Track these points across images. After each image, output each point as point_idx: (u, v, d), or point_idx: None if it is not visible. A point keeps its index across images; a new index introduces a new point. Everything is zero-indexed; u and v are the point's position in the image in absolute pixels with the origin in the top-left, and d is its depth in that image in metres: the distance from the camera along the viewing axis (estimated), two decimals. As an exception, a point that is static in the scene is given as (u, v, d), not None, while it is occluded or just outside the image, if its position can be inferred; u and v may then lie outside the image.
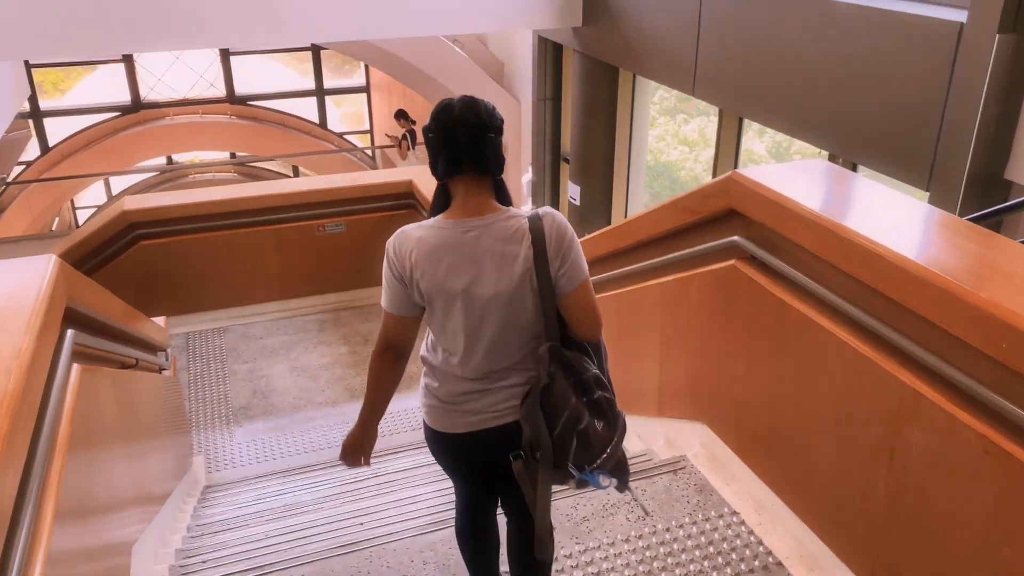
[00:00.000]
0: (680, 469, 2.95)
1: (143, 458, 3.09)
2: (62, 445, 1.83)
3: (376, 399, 2.18)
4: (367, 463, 2.25)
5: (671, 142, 9.52)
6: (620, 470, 2.03)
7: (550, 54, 9.01)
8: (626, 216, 8.37)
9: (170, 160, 18.17)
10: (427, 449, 2.28)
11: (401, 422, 5.38)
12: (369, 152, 17.49)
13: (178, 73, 17.43)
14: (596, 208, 8.39)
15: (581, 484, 2.02)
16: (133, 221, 6.15)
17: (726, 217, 2.64)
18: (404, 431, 5.28)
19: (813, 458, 2.40)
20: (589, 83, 7.98)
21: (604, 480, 1.99)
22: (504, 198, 2.07)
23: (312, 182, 6.95)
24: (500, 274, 1.96)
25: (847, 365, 2.19)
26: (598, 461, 1.95)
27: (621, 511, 2.81)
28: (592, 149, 8.20)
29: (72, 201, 17.92)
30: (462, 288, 1.96)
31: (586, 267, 2.05)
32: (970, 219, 2.34)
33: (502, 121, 2.02)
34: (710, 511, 2.77)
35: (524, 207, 10.09)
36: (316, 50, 17.72)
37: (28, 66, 14.97)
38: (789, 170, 2.70)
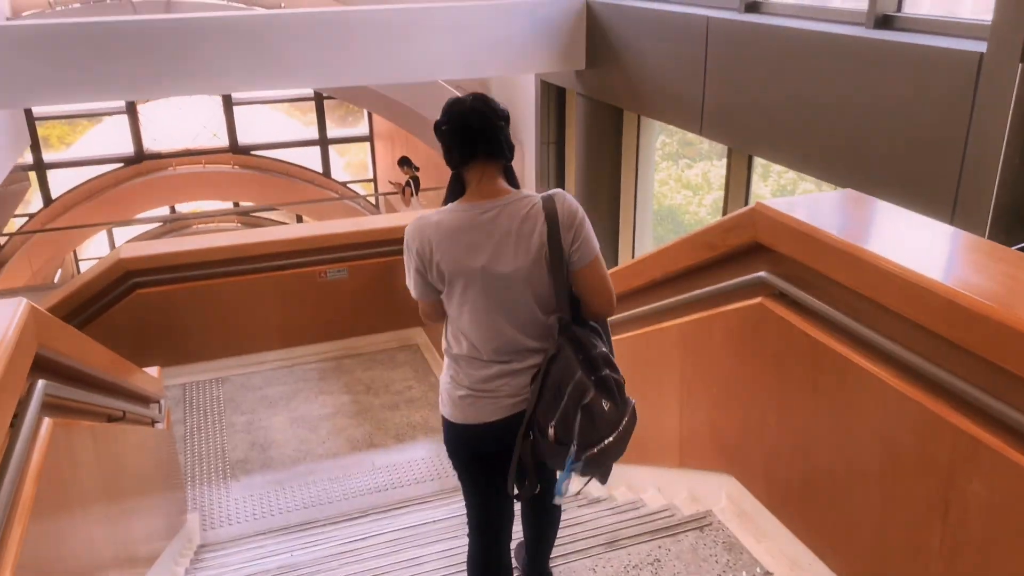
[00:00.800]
0: (706, 526, 2.73)
1: (128, 518, 2.88)
2: (24, 508, 1.64)
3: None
4: None
5: (674, 186, 9.41)
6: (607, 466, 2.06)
7: (553, 98, 8.96)
8: (633, 257, 8.21)
9: (173, 210, 18.14)
10: (432, 504, 2.28)
11: (405, 474, 5.16)
12: (372, 199, 17.47)
13: (181, 124, 17.51)
14: (602, 251, 8.22)
15: (566, 471, 2.01)
16: (130, 269, 6.01)
17: (750, 252, 2.47)
18: (407, 484, 5.05)
19: (855, 512, 2.18)
20: (593, 126, 7.90)
21: (575, 483, 2.03)
22: (514, 183, 2.17)
23: (314, 228, 6.82)
24: (517, 251, 2.04)
25: (891, 409, 1.99)
26: (604, 443, 1.96)
27: (644, 573, 2.59)
28: (597, 192, 8.08)
29: (75, 253, 17.85)
30: (481, 265, 2.04)
31: (597, 245, 2.16)
32: (1021, 248, 2.16)
33: (508, 112, 2.16)
34: (741, 571, 2.55)
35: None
36: (320, 100, 17.81)
37: (32, 119, 15.05)
38: (817, 200, 2.53)
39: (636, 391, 3.02)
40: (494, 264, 2.05)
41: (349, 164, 21.98)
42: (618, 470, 3.64)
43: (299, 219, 18.42)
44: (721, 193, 9.88)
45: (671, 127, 7.37)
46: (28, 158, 15.44)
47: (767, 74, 5.33)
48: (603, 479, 2.08)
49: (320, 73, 7.21)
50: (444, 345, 2.24)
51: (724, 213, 6.29)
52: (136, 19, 6.96)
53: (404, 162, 11.15)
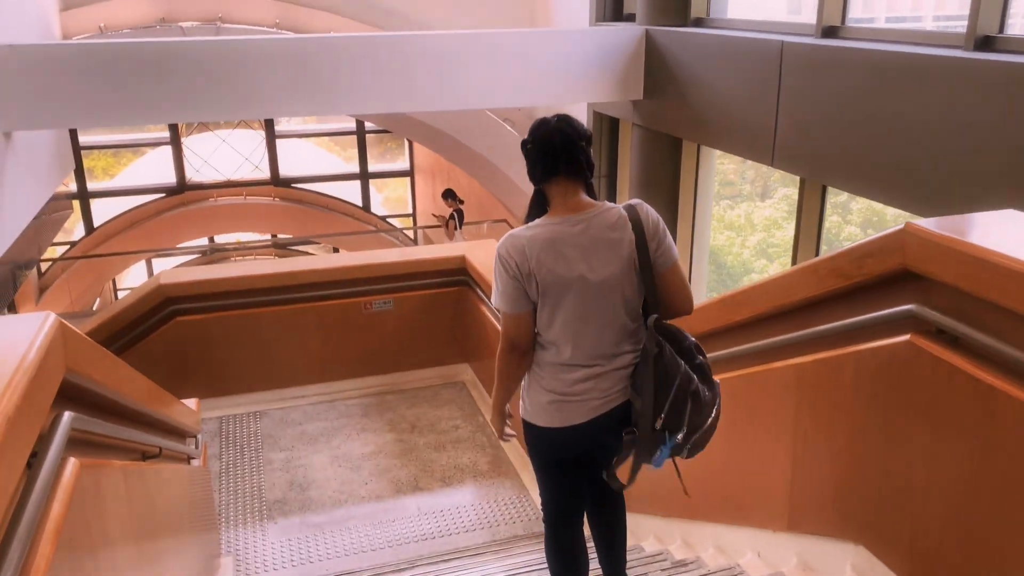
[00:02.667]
0: (825, 601, 2.32)
1: (157, 566, 2.54)
2: (40, 566, 1.31)
3: (505, 394, 2.40)
4: (504, 439, 2.51)
5: (716, 227, 9.10)
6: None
7: (606, 130, 8.67)
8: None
9: (212, 241, 18.10)
10: (486, 558, 2.60)
11: (453, 521, 4.77)
12: (411, 234, 17.29)
13: (224, 156, 17.53)
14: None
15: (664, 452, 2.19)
16: (169, 296, 5.76)
17: (895, 280, 2.09)
18: (456, 532, 4.66)
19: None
20: (650, 157, 7.58)
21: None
22: (594, 198, 2.30)
23: (359, 257, 6.55)
24: (610, 259, 2.18)
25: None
26: (705, 425, 2.16)
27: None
28: (653, 226, 7.74)
29: (113, 282, 17.84)
30: (577, 275, 2.16)
31: (676, 249, 2.29)
32: None
33: (591, 133, 2.32)
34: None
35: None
36: (361, 134, 17.76)
37: (78, 146, 15.12)
38: (969, 222, 2.16)
39: (732, 441, 2.65)
40: (590, 272, 2.16)
41: (388, 199, 21.90)
42: (706, 530, 3.27)
43: (336, 252, 18.26)
44: (764, 235, 9.54)
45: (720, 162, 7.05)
46: (72, 187, 15.48)
47: (848, 100, 4.97)
48: (691, 455, 2.26)
49: (370, 99, 6.99)
50: (531, 356, 2.31)
51: (795, 248, 5.90)
52: (186, 40, 6.82)
53: (448, 194, 10.89)
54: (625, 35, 7.27)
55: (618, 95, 7.45)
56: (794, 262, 5.98)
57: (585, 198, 2.25)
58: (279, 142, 17.54)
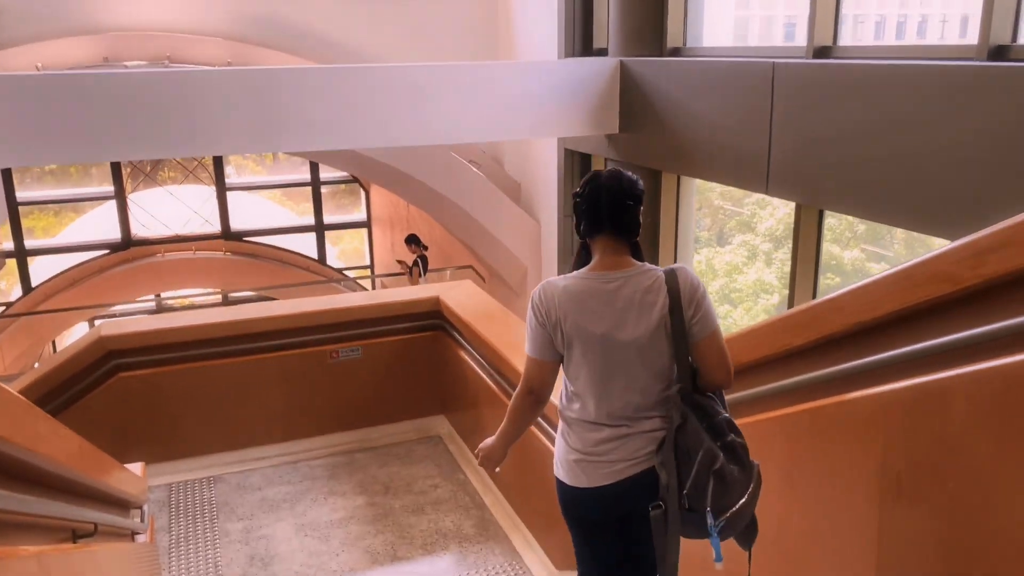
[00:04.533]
0: None
1: None
2: None
3: (514, 431, 2.40)
4: (497, 472, 2.50)
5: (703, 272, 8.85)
6: (751, 529, 2.13)
7: (577, 167, 8.35)
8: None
9: (159, 298, 17.31)
10: None
11: (441, 595, 4.21)
12: (368, 284, 16.74)
13: (172, 210, 16.88)
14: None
15: (706, 534, 2.06)
16: (112, 349, 5.15)
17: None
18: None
19: None
20: (628, 193, 7.25)
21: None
22: (640, 258, 2.28)
23: (324, 301, 6.02)
24: (639, 321, 2.16)
25: None
26: (736, 506, 2.03)
27: None
28: (632, 265, 7.37)
29: (53, 344, 16.88)
30: (603, 332, 2.16)
31: (717, 318, 2.22)
32: None
33: (643, 191, 2.27)
34: None
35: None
36: (316, 184, 17.29)
37: (14, 203, 14.37)
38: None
39: (791, 489, 2.24)
40: (615, 331, 2.16)
41: (344, 251, 21.37)
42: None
43: (292, 307, 17.55)
44: (726, 280, 9.31)
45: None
46: (7, 245, 14.68)
47: (848, 120, 4.69)
48: (745, 544, 2.15)
49: (333, 135, 6.56)
50: (560, 406, 2.31)
51: (792, 276, 5.55)
52: (128, 72, 6.33)
53: (412, 240, 10.47)
54: (599, 67, 6.99)
55: (593, 129, 7.13)
56: (791, 290, 5.64)
57: (627, 258, 2.23)
58: (230, 196, 16.97)
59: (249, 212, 18.12)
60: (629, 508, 2.24)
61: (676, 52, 6.84)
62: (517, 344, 5.08)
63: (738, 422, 2.42)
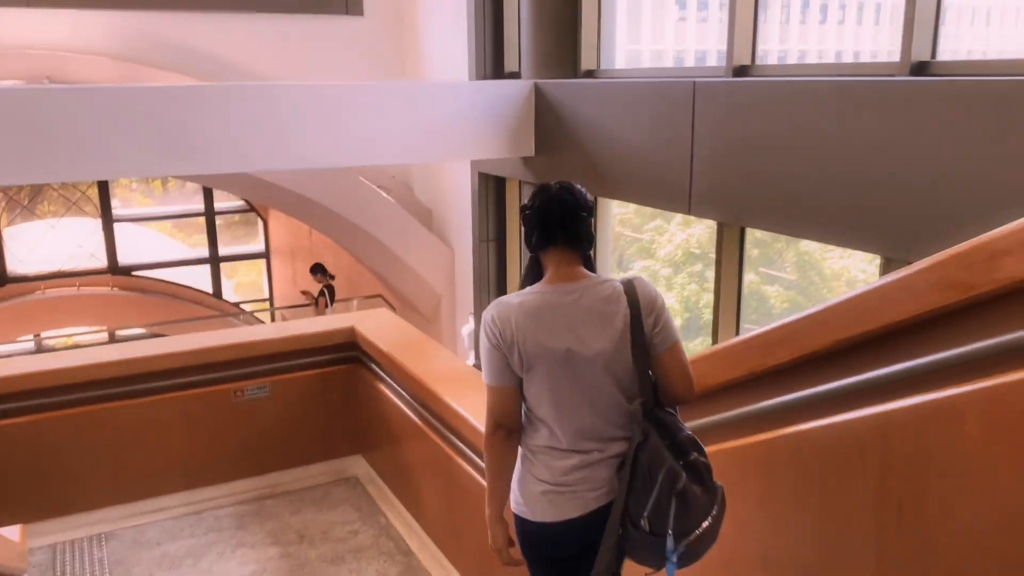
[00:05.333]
0: None
1: None
2: None
3: (500, 486, 2.18)
4: (519, 558, 2.22)
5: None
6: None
7: (491, 191, 8.16)
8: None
9: (38, 338, 16.12)
10: None
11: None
12: (267, 318, 16.05)
13: (53, 244, 15.82)
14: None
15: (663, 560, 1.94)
16: (-17, 394, 4.57)
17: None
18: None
19: None
20: (545, 217, 7.08)
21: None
22: (592, 269, 2.17)
23: (227, 335, 5.58)
24: (602, 332, 2.05)
25: None
26: (698, 531, 1.93)
27: None
28: (551, 291, 7.19)
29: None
30: (566, 347, 2.04)
31: (676, 329, 2.12)
32: None
33: (593, 202, 2.19)
34: None
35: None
36: (210, 214, 16.55)
37: None
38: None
39: (774, 521, 2.06)
40: (578, 346, 2.04)
41: (240, 285, 20.54)
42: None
43: (187, 344, 16.68)
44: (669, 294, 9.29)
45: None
46: None
47: (773, 138, 4.65)
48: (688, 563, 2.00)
49: (232, 158, 6.14)
50: (518, 437, 2.16)
51: (717, 294, 5.47)
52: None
53: (318, 269, 10.03)
54: (514, 89, 6.84)
55: (508, 151, 6.95)
56: (715, 312, 5.56)
57: (581, 269, 2.14)
58: (117, 228, 16.04)
59: (138, 245, 17.21)
60: (595, 541, 2.08)
61: (590, 74, 6.76)
62: (443, 374, 4.78)
63: (709, 449, 2.22)
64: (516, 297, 2.11)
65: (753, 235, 5.46)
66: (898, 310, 1.82)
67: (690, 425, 2.18)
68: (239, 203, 17.05)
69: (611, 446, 2.08)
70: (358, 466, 5.70)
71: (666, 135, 5.42)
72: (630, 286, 2.10)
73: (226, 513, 5.19)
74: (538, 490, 2.10)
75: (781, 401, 2.16)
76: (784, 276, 7.46)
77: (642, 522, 1.94)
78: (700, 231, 15.84)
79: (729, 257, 5.44)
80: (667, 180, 5.44)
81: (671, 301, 14.59)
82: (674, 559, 1.93)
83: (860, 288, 1.94)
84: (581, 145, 6.31)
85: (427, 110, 6.66)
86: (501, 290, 8.31)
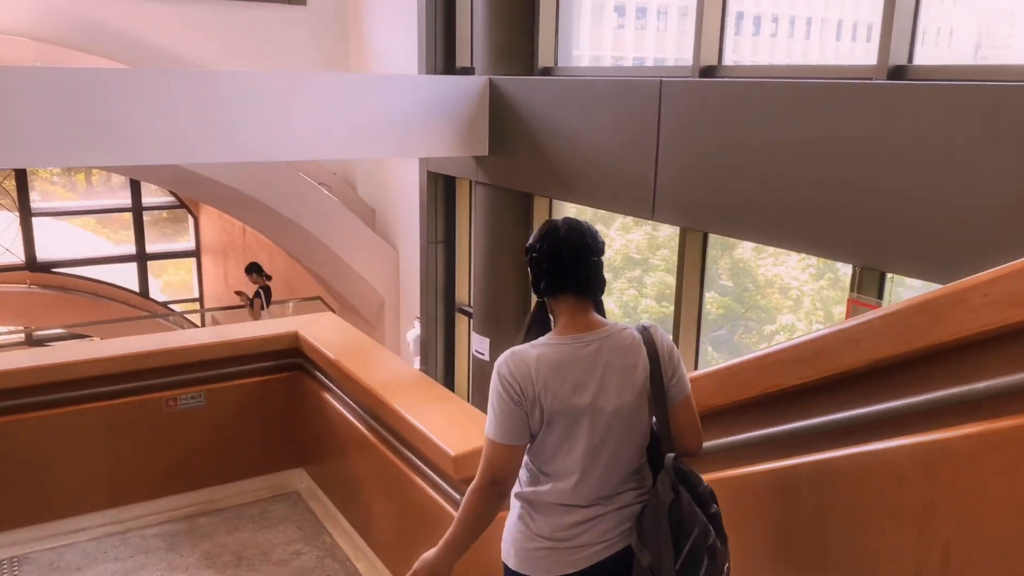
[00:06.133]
0: None
1: None
2: None
3: (467, 537, 2.03)
4: None
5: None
6: None
7: (440, 191, 7.86)
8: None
9: (-53, 338, 15.13)
10: None
11: None
12: (197, 319, 15.40)
13: (-36, 238, 14.89)
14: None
15: None
16: None
17: None
18: None
19: None
20: (499, 219, 6.83)
21: None
22: (603, 313, 2.08)
23: (158, 340, 5.15)
24: (622, 386, 1.96)
25: None
26: None
27: None
28: (502, 293, 6.94)
29: None
30: (588, 403, 1.95)
31: (688, 380, 2.05)
32: None
33: (604, 244, 2.06)
34: None
35: (415, 360, 8.75)
36: (138, 210, 15.81)
37: None
38: None
39: (788, 558, 1.85)
40: (601, 401, 1.95)
41: (168, 284, 19.75)
42: None
43: (110, 345, 15.89)
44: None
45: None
46: None
47: (743, 142, 4.50)
48: None
49: (164, 148, 5.72)
50: (516, 489, 2.06)
51: (678, 302, 5.30)
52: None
53: (253, 269, 9.56)
54: (468, 84, 6.57)
55: (461, 150, 6.67)
56: (676, 318, 5.39)
57: (595, 316, 2.02)
58: (36, 222, 15.19)
59: (59, 241, 16.37)
60: None
61: (547, 71, 6.54)
62: (395, 383, 4.48)
63: (715, 476, 2.00)
64: (531, 348, 1.97)
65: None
66: (949, 328, 1.61)
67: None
68: (168, 199, 16.35)
69: (617, 499, 2.00)
70: (300, 480, 5.34)
71: (630, 136, 5.22)
72: (647, 335, 2.01)
73: (155, 533, 4.78)
74: (534, 546, 1.99)
75: (803, 425, 1.94)
76: (720, 282, 7.41)
77: None
78: (638, 237, 15.84)
79: (692, 265, 5.28)
80: (630, 183, 5.24)
81: (610, 306, 14.57)
82: None
83: (902, 303, 1.73)
84: (538, 145, 6.08)
85: (375, 104, 6.33)
86: (449, 295, 8.02)
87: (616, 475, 1.98)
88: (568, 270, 1.98)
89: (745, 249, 6.22)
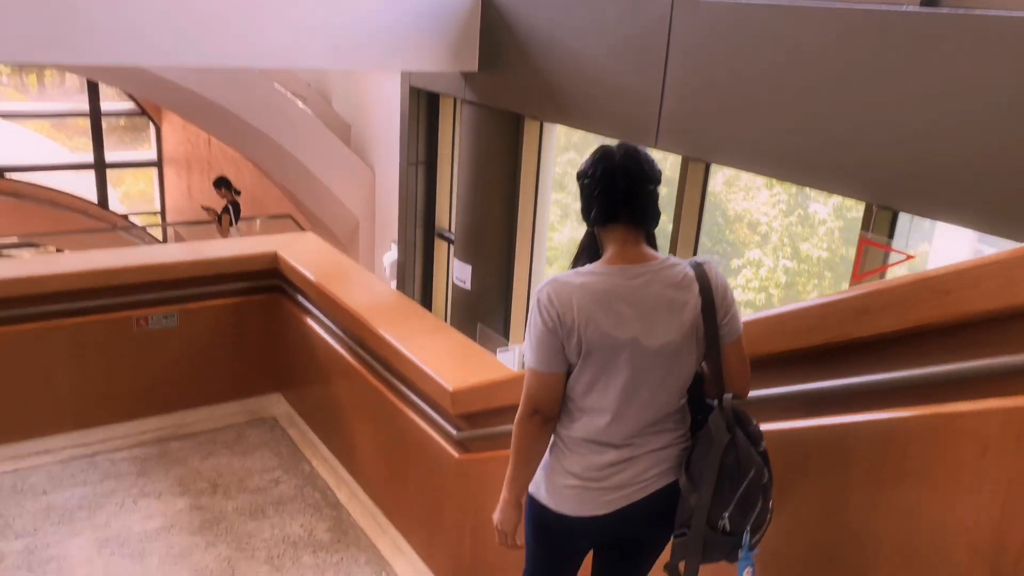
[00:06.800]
0: None
1: None
2: None
3: (525, 473, 2.00)
4: (522, 543, 2.09)
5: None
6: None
7: (423, 108, 7.49)
8: (529, 300, 6.88)
9: None
10: None
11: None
12: (158, 233, 14.91)
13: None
14: (491, 291, 6.82)
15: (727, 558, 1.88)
16: None
17: None
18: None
19: None
20: (487, 140, 6.53)
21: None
22: (655, 246, 1.98)
23: (129, 255, 4.86)
24: (670, 323, 1.87)
25: None
26: (768, 517, 1.87)
27: None
28: (487, 219, 6.70)
29: None
30: (630, 337, 1.85)
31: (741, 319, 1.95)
32: None
33: (661, 172, 1.93)
34: None
35: (392, 283, 8.52)
36: (96, 115, 15.08)
37: None
38: None
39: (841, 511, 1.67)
40: (644, 337, 1.85)
41: (127, 195, 19.10)
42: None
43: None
44: (569, 233, 8.96)
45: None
46: None
47: (758, 70, 4.25)
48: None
49: (125, 47, 5.30)
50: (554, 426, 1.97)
51: (675, 231, 5.11)
52: None
53: (222, 183, 9.15)
54: (457, -6, 6.16)
55: (448, 65, 6.32)
56: (672, 251, 5.22)
57: (646, 248, 1.92)
58: (-14, 123, 14.44)
59: (10, 145, 15.63)
60: (623, 536, 2.04)
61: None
62: (382, 309, 4.26)
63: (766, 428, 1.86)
64: (578, 276, 1.87)
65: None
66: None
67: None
68: (128, 104, 15.62)
69: (654, 440, 1.93)
70: (277, 406, 5.15)
71: (636, 57, 4.93)
72: (701, 271, 1.90)
73: (124, 457, 4.57)
74: (566, 483, 1.95)
75: (868, 380, 1.78)
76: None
77: (721, 522, 1.82)
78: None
79: (691, 200, 5.08)
80: (633, 108, 4.98)
81: (580, 234, 14.47)
82: (750, 556, 1.86)
83: (1004, 252, 1.55)
84: (533, 62, 5.75)
85: (357, 11, 5.91)
86: (429, 219, 7.73)
87: (653, 415, 1.92)
88: (621, 198, 1.87)
89: (716, 182, 6.06)
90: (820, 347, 1.87)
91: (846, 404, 1.84)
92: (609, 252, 1.92)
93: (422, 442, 3.63)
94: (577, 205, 2.00)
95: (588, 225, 1.97)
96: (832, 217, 12.26)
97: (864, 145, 3.88)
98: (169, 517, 4.07)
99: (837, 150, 4.01)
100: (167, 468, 4.50)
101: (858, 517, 1.83)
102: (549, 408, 1.92)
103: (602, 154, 1.91)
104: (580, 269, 1.91)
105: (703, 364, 1.95)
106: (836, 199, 11.95)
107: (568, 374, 1.91)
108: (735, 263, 7.07)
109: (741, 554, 1.84)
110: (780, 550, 2.02)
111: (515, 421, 1.95)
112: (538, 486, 2.01)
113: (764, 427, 1.94)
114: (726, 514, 1.81)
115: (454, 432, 3.41)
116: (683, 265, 1.91)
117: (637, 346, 1.85)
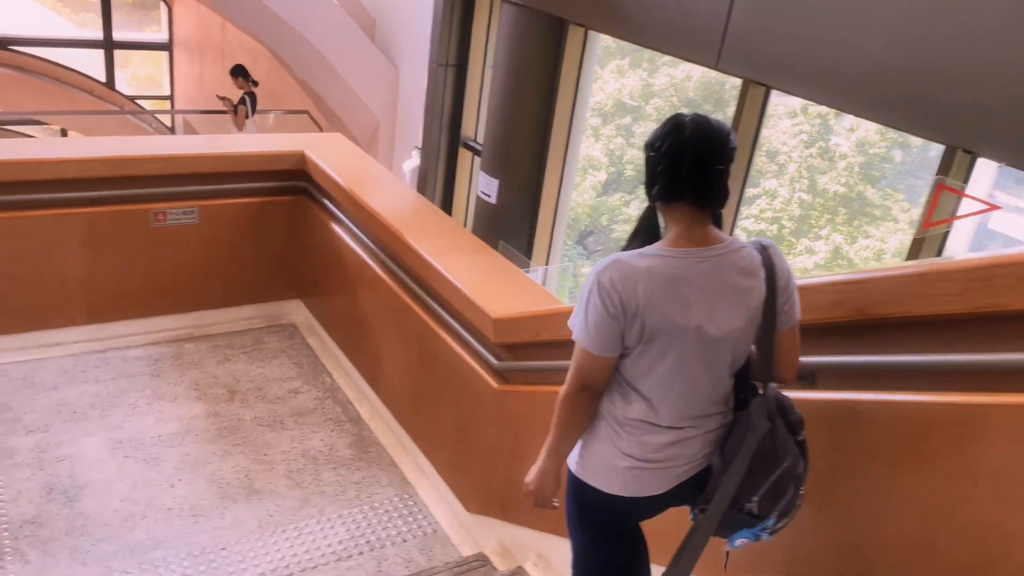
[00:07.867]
0: None
1: None
2: None
3: (566, 442, 1.98)
4: (558, 504, 2.09)
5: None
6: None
7: (458, 5, 7.05)
8: (556, 220, 6.63)
9: None
10: None
11: (315, 544, 3.29)
12: (167, 120, 14.46)
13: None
14: (517, 208, 6.56)
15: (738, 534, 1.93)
16: None
17: None
18: (323, 562, 3.19)
19: None
20: (522, 45, 6.14)
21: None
22: (720, 227, 1.88)
23: (151, 144, 4.58)
24: (736, 310, 1.82)
25: None
26: (797, 502, 1.87)
27: None
28: (518, 131, 6.37)
29: None
30: (696, 325, 1.79)
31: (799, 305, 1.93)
32: None
33: (735, 149, 1.81)
34: None
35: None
36: (106, -11, 14.39)
37: None
38: None
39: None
40: (709, 324, 1.79)
41: (134, 77, 18.53)
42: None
43: (64, 136, 14.99)
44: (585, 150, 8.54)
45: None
46: None
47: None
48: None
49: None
50: (606, 403, 1.93)
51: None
52: None
53: (239, 72, 8.75)
54: None
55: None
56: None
57: (713, 230, 1.84)
58: (-10, -9, 13.81)
59: (13, 15, 15.02)
60: (667, 508, 2.04)
61: None
62: (417, 220, 4.02)
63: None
64: (641, 259, 1.79)
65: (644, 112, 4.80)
66: None
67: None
68: (138, -20, 14.92)
69: (707, 422, 1.91)
70: (297, 312, 4.96)
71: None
72: (767, 255, 1.84)
73: (136, 355, 4.40)
74: (622, 465, 1.92)
75: (950, 360, 1.58)
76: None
77: (749, 505, 1.82)
78: (634, 82, 14.86)
79: (747, 123, 4.77)
80: (695, 23, 4.61)
81: (596, 153, 13.76)
82: (768, 535, 1.87)
83: None
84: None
85: None
86: (455, 126, 7.36)
87: (708, 398, 1.89)
88: (687, 176, 1.77)
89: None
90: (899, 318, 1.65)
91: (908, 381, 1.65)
92: (673, 232, 1.83)
93: (458, 367, 3.44)
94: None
95: (650, 200, 1.86)
96: (854, 151, 11.79)
97: (943, 80, 3.58)
98: (185, 422, 3.93)
99: (917, 86, 3.70)
100: (182, 371, 4.33)
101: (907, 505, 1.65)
102: (599, 386, 1.90)
103: (672, 127, 1.78)
104: (644, 250, 1.81)
105: (752, 347, 1.90)
106: (860, 133, 11.43)
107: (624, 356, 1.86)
108: (750, 192, 6.80)
109: (765, 536, 1.85)
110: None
111: (561, 395, 1.90)
112: (594, 474, 1.97)
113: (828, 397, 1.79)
114: (755, 498, 1.81)
115: (494, 361, 3.21)
116: (749, 248, 1.83)
117: (701, 333, 1.79)
